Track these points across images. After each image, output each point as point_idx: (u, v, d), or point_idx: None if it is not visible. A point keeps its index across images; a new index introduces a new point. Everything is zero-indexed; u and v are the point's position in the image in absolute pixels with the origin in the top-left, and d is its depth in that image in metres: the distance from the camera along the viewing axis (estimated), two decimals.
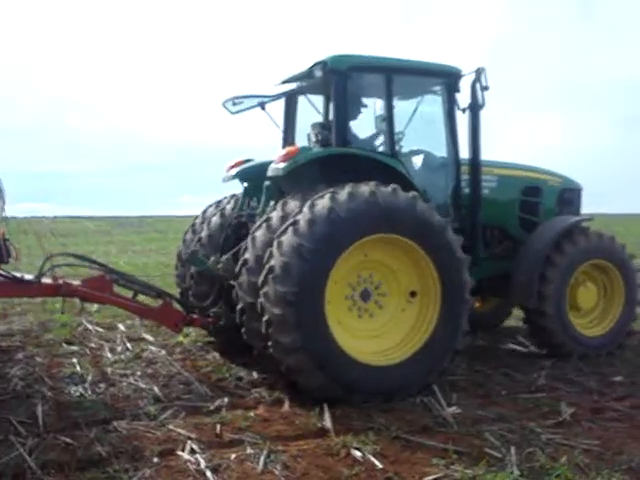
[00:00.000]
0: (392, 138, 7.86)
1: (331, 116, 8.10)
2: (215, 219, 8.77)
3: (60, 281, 7.20)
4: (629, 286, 8.86)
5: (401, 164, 7.68)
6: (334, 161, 7.28)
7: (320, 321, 6.42)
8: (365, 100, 8.33)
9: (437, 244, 6.88)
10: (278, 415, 6.18)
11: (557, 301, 8.30)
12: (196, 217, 9.50)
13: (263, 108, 8.68)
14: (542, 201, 9.28)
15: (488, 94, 8.24)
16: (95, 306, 11.20)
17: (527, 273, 8.39)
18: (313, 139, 8.19)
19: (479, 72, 8.21)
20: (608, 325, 8.78)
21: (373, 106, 8.50)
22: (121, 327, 10.23)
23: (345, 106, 7.69)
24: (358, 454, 5.15)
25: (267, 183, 7.86)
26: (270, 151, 8.08)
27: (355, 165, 7.29)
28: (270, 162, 7.64)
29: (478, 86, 8.23)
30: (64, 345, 9.04)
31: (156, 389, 6.90)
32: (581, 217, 9.15)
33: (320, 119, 8.71)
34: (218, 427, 5.79)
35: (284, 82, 8.58)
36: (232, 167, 8.68)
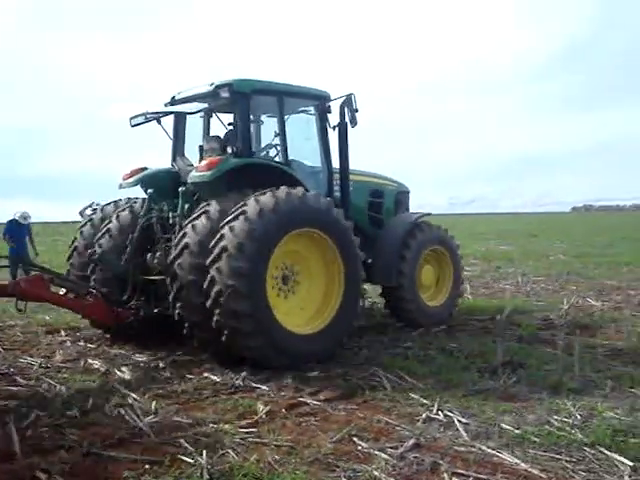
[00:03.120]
0: (285, 150, 9.40)
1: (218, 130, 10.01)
2: (125, 214, 9.73)
3: (5, 282, 8.36)
4: (457, 268, 11.51)
5: (295, 171, 9.24)
6: (243, 169, 8.76)
7: (263, 293, 7.93)
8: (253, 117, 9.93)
9: (343, 240, 8.73)
10: None
11: (411, 277, 10.64)
12: (92, 213, 10.42)
13: (159, 122, 9.88)
14: (384, 202, 11.53)
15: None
16: None
17: (388, 257, 10.57)
18: (223, 150, 9.25)
19: (349, 97, 9.84)
20: (442, 299, 11.29)
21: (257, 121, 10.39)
22: None
23: (248, 122, 9.35)
24: (44, 476, 4.85)
25: (183, 188, 9.06)
26: None
27: (258, 171, 8.88)
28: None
29: (346, 108, 9.84)
30: None
31: None
32: (423, 213, 11.52)
33: (203, 133, 10.26)
34: None
35: (181, 100, 9.87)
36: (129, 175, 9.73)
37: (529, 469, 4.96)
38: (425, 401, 6.66)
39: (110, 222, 9.75)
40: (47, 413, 6.35)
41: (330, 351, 8.54)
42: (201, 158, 9.67)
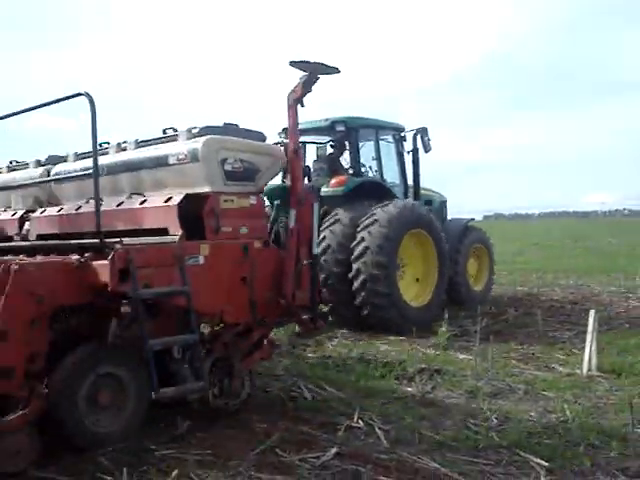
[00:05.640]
0: (381, 170, 12.52)
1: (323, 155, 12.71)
2: None
3: None
4: (491, 262, 15.02)
5: (389, 186, 12.34)
6: (358, 185, 11.62)
7: (394, 278, 10.91)
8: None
9: (436, 236, 11.82)
10: None
11: (463, 266, 13.74)
12: None
13: None
14: (433, 209, 13.61)
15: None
16: None
17: (449, 252, 12.59)
18: (330, 170, 12.28)
19: (420, 129, 12.85)
20: (482, 284, 14.65)
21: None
22: None
23: (359, 150, 12.13)
24: None
25: None
26: None
27: (365, 187, 11.75)
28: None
29: (419, 138, 12.80)
30: None
31: None
32: (470, 218, 15.08)
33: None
34: None
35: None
36: None
37: (449, 473, 5.06)
38: (345, 410, 6.70)
39: None
40: None
41: (433, 318, 11.15)
42: (308, 177, 12.08)
